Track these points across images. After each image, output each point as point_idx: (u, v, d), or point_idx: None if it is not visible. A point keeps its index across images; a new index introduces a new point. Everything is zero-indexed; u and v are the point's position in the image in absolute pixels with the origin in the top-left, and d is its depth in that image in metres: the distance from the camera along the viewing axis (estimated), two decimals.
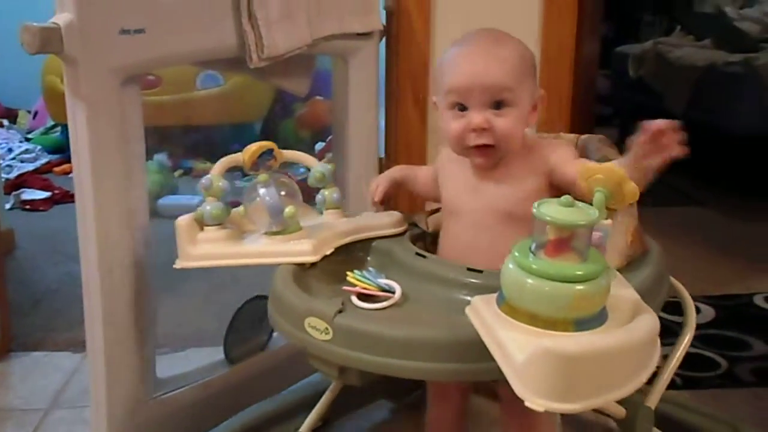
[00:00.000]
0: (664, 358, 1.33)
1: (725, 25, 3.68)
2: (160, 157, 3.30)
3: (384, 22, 1.74)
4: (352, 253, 1.29)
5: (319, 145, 3.59)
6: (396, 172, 1.43)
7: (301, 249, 1.23)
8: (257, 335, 1.61)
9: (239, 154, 1.29)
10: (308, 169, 1.38)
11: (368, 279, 1.15)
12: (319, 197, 1.36)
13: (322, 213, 1.37)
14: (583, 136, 1.34)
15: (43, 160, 3.72)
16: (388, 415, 1.68)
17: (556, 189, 1.16)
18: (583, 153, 1.28)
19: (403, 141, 1.92)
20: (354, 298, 1.12)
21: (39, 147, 3.87)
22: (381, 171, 1.65)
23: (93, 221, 1.26)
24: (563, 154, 1.20)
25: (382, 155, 1.93)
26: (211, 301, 2.21)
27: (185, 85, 3.56)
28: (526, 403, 0.85)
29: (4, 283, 1.97)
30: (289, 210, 1.24)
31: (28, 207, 3.11)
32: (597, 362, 0.86)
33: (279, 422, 1.53)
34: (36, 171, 3.57)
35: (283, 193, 1.27)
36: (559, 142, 1.26)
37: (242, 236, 1.30)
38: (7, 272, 2.03)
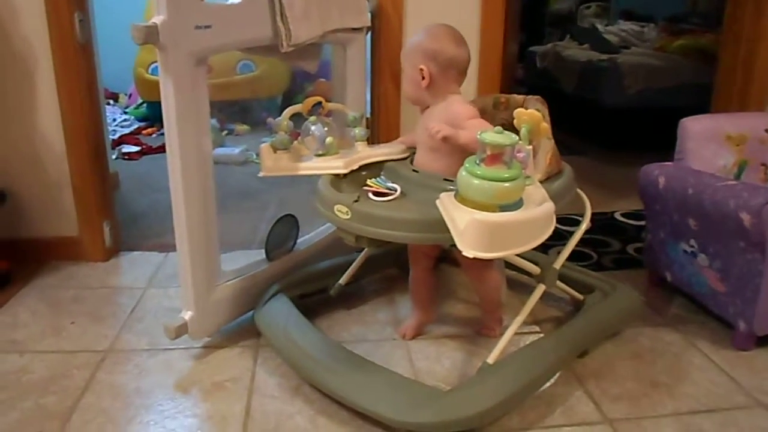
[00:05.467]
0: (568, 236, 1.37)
1: (597, 36, 3.75)
2: (212, 121, 3.19)
3: (370, 20, 1.72)
4: (371, 170, 1.35)
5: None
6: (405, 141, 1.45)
7: (337, 165, 1.30)
8: (287, 241, 1.61)
9: (300, 105, 1.35)
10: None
11: (380, 182, 1.23)
12: (351, 133, 1.39)
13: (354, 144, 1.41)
14: (528, 96, 1.36)
15: (135, 126, 3.66)
16: (395, 276, 1.74)
17: None
18: (527, 105, 1.32)
19: (383, 104, 1.88)
20: (371, 195, 1.19)
21: (132, 117, 3.82)
22: (368, 127, 1.66)
23: (179, 161, 1.26)
24: (462, 111, 1.25)
25: (369, 115, 1.91)
26: (254, 218, 2.19)
27: (229, 72, 3.44)
28: (464, 253, 0.92)
29: (114, 208, 1.95)
30: (329, 139, 1.31)
31: (126, 157, 3.08)
32: (507, 229, 0.94)
33: (326, 276, 1.58)
34: (131, 133, 3.51)
35: (325, 129, 1.33)
36: (464, 104, 1.29)
37: (300, 157, 1.36)
38: (115, 200, 2.01)
